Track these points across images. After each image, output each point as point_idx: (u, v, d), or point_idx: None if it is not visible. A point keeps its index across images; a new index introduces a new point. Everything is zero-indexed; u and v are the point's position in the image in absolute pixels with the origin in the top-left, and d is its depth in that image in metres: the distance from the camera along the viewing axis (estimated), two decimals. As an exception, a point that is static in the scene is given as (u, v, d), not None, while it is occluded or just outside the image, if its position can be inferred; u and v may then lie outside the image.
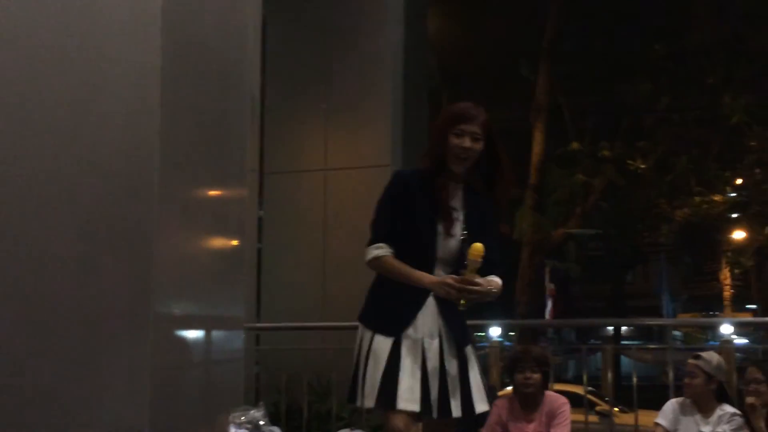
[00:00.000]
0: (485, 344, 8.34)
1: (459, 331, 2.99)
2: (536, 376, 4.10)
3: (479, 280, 2.80)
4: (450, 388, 2.91)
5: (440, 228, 2.92)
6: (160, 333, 2.83)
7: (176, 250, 2.97)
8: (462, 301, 2.81)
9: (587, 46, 15.19)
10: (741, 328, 11.17)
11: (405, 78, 8.51)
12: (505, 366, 5.02)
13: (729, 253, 16.33)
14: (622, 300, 25.39)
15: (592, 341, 20.01)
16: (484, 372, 7.32)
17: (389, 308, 2.96)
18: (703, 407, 4.22)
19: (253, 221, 6.09)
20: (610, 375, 7.48)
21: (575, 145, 14.96)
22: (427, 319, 2.93)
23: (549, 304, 17.50)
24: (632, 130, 14.81)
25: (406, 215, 2.90)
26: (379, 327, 2.94)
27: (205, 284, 3.16)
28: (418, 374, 2.85)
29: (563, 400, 4.18)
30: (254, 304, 6.72)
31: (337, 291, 7.50)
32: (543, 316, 16.95)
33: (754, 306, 21.68)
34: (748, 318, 17.84)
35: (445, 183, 2.94)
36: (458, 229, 2.94)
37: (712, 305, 25.14)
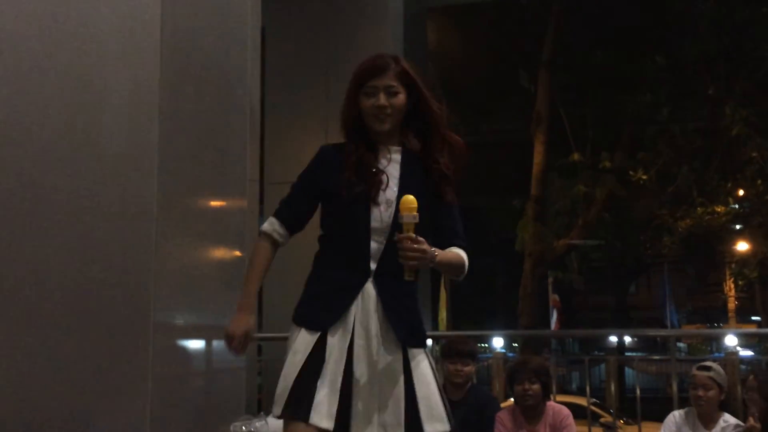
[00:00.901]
0: (488, 355, 8.30)
1: (406, 328, 2.44)
2: (535, 387, 4.09)
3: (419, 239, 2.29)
4: (378, 402, 2.37)
5: (371, 196, 2.44)
6: (161, 343, 2.82)
7: (177, 260, 2.96)
8: (407, 271, 2.31)
9: (587, 57, 15.20)
10: (745, 340, 11.14)
11: (406, 89, 8.52)
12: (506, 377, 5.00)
13: (733, 265, 16.29)
14: (625, 311, 25.32)
15: (596, 352, 19.98)
16: (487, 383, 7.32)
17: (316, 296, 2.46)
18: (708, 418, 4.20)
19: (254, 231, 6.07)
20: (613, 386, 7.44)
21: (576, 156, 14.95)
22: (364, 312, 2.41)
23: (554, 315, 17.45)
24: (633, 141, 14.80)
25: (330, 190, 2.45)
26: (304, 320, 2.43)
27: (205, 294, 3.15)
28: (339, 381, 2.34)
29: (566, 411, 4.17)
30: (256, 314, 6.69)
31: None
32: (545, 327, 16.90)
33: (758, 318, 21.62)
34: (752, 329, 17.80)
35: (366, 146, 2.50)
36: (391, 195, 2.46)
37: (716, 316, 25.08)
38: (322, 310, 2.41)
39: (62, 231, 2.76)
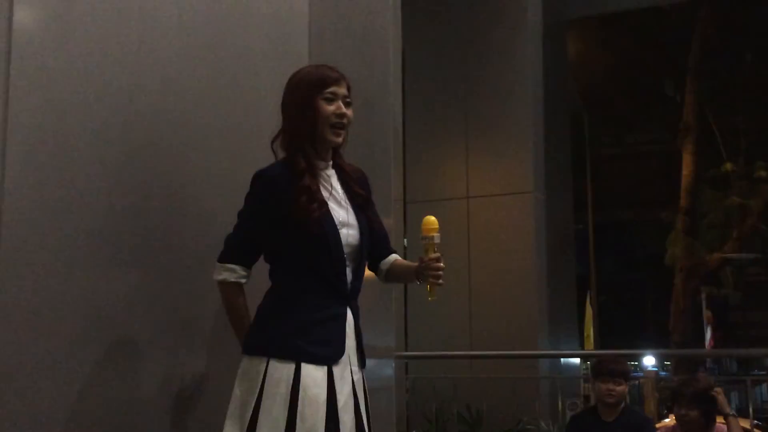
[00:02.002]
0: (639, 374, 8.01)
1: (362, 350, 2.39)
2: (693, 414, 3.90)
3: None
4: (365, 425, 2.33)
5: (336, 218, 2.32)
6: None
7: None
8: (431, 290, 2.32)
9: (737, 62, 14.53)
10: None
11: (546, 103, 8.43)
12: (667, 396, 4.82)
13: None
14: (786, 327, 23.87)
15: (756, 371, 18.91)
16: (639, 402, 7.07)
17: (308, 326, 2.25)
18: None
19: (399, 250, 6.15)
20: (777, 407, 7.02)
21: (728, 166, 14.30)
22: (349, 339, 2.31)
23: (708, 333, 16.69)
24: (791, 148, 14.03)
25: (290, 217, 2.26)
26: (303, 353, 2.21)
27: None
28: (352, 413, 2.27)
29: None
30: (402, 332, 6.76)
31: (484, 319, 7.46)
32: (699, 345, 16.18)
33: None
34: None
35: (308, 163, 2.31)
36: (350, 217, 2.36)
37: None
38: (326, 339, 2.26)
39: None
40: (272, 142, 2.40)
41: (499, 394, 6.21)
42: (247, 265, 2.34)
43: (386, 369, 3.52)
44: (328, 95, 2.32)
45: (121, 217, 2.51)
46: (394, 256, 2.54)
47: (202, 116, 2.81)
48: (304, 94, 2.33)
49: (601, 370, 4.22)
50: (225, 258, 2.34)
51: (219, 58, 2.89)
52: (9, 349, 2.18)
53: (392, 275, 2.53)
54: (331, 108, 2.32)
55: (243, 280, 2.34)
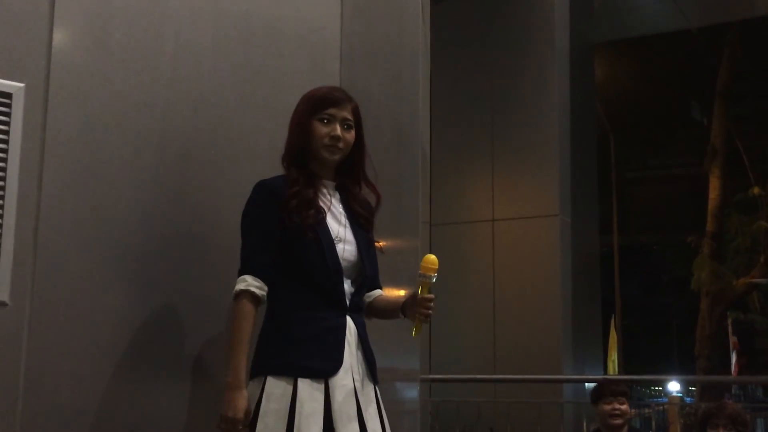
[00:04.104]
0: (663, 399, 7.90)
1: (373, 365, 2.36)
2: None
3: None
4: None
5: (332, 231, 2.35)
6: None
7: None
8: (417, 326, 2.31)
9: (765, 85, 14.45)
10: None
11: (572, 126, 8.42)
12: (692, 422, 4.77)
13: None
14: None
15: (783, 399, 18.63)
16: (664, 428, 6.99)
17: (304, 340, 2.25)
18: None
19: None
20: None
21: (756, 190, 14.18)
22: (351, 349, 2.30)
23: (733, 358, 16.48)
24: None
25: (282, 230, 2.28)
26: (300, 367, 2.21)
27: (381, 335, 3.21)
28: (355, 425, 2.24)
29: None
30: (426, 355, 6.74)
31: (509, 342, 7.43)
32: (725, 371, 15.98)
33: None
34: None
35: (306, 179, 2.35)
36: (347, 233, 2.38)
37: None
38: (322, 352, 2.24)
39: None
40: (282, 159, 2.43)
41: (522, 418, 6.16)
42: (263, 277, 2.28)
43: (411, 392, 3.50)
44: (326, 117, 2.36)
45: (153, 232, 2.57)
46: (378, 291, 2.53)
47: (234, 134, 2.85)
48: (303, 112, 2.39)
49: (602, 392, 4.21)
50: (241, 271, 2.30)
51: (251, 78, 2.93)
52: (43, 352, 2.30)
53: (372, 310, 2.52)
54: (325, 130, 2.35)
55: (260, 294, 2.27)
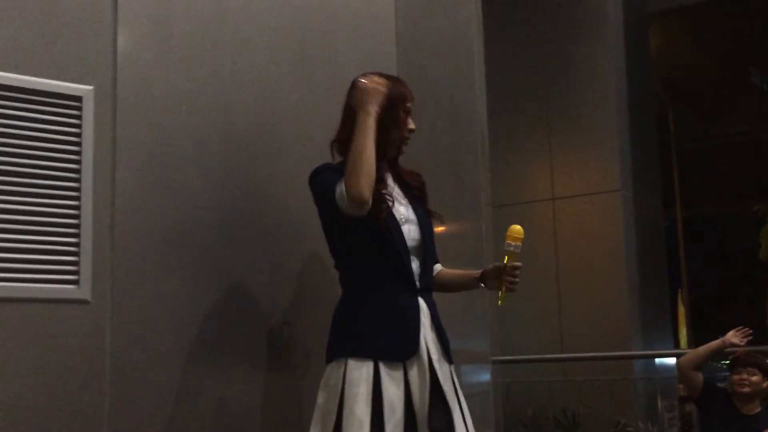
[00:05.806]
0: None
1: (447, 345, 2.40)
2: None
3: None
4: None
5: (397, 215, 2.39)
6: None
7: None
8: (502, 295, 2.39)
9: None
10: None
11: (629, 99, 8.28)
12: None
13: None
14: None
15: None
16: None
17: (379, 323, 2.30)
18: None
19: (490, 255, 6.14)
20: None
21: (823, 155, 13.77)
22: (425, 329, 2.34)
23: (805, 329, 16.08)
24: None
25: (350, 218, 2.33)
26: (379, 349, 2.25)
27: (453, 318, 3.21)
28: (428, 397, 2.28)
29: None
30: (496, 336, 6.73)
31: (574, 320, 7.37)
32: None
33: None
34: None
35: (381, 173, 2.38)
36: (410, 213, 2.44)
37: None
38: (400, 338, 2.29)
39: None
40: (331, 144, 2.48)
41: (594, 397, 6.11)
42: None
43: (482, 373, 3.51)
44: (408, 109, 2.44)
45: (224, 225, 2.63)
46: (439, 266, 2.58)
47: (295, 126, 2.89)
48: (397, 107, 2.41)
49: (733, 362, 4.25)
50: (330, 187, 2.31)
51: (309, 70, 2.96)
52: (125, 347, 2.39)
53: (439, 284, 2.55)
54: (410, 124, 2.44)
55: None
